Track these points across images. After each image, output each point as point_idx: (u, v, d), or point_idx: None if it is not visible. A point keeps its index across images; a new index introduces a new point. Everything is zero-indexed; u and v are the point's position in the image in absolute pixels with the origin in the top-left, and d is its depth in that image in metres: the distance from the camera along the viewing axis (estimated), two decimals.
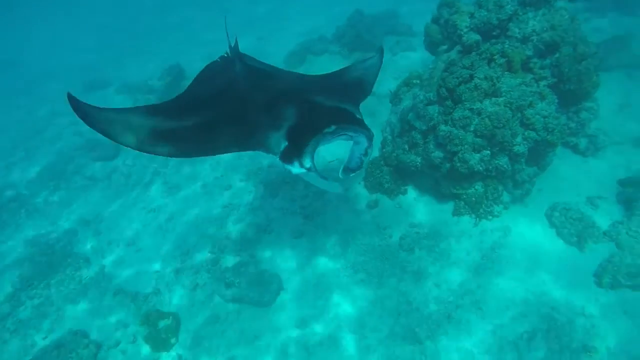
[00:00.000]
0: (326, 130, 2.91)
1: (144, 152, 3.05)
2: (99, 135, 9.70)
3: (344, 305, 4.88)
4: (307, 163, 2.91)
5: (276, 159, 3.11)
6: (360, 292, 4.94)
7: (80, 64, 16.30)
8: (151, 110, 3.25)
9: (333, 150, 5.11)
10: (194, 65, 11.69)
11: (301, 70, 10.22)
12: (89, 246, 6.81)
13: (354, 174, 3.13)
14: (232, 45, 4.42)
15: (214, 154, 3.21)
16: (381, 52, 4.61)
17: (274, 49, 12.29)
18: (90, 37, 19.39)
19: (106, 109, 3.04)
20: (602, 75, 5.50)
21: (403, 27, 10.54)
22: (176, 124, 3.21)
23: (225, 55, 4.40)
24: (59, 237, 7.11)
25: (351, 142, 3.18)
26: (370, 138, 3.06)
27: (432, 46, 6.29)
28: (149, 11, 21.52)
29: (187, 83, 11.84)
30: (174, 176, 7.88)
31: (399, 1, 12.86)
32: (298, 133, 3.04)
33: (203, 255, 5.94)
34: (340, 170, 3.12)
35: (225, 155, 4.45)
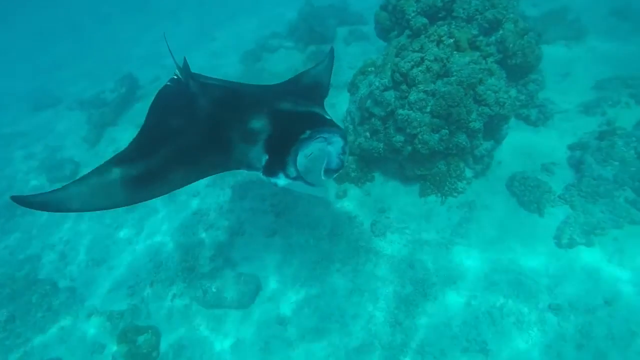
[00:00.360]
0: (302, 136, 2.92)
1: (123, 207, 2.92)
2: (55, 155, 9.23)
3: (323, 297, 4.91)
4: (292, 172, 2.90)
5: (259, 175, 3.05)
6: (338, 283, 5.00)
7: (25, 89, 15.34)
8: (116, 163, 3.02)
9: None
10: (148, 74, 11.47)
11: (258, 67, 10.17)
12: (55, 270, 6.52)
13: (337, 174, 3.13)
14: (182, 65, 4.16)
15: (195, 181, 3.08)
16: (331, 54, 4.65)
17: (228, 50, 12.14)
18: (33, 60, 18.33)
19: (67, 186, 2.76)
20: (544, 47, 5.77)
21: (355, 16, 10.61)
22: (147, 167, 3.02)
23: (175, 77, 4.13)
24: (20, 264, 6.75)
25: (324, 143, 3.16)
26: (344, 136, 3.08)
27: (383, 33, 6.39)
28: (93, 25, 20.49)
29: (141, 93, 11.48)
30: None
31: None
32: (276, 144, 3.00)
33: (177, 265, 5.82)
34: (322, 173, 3.08)
35: None
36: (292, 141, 2.92)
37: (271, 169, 2.98)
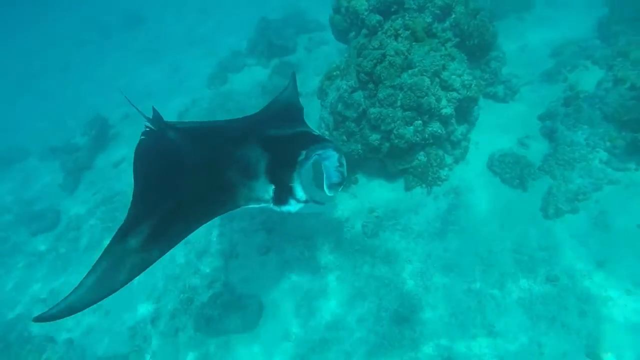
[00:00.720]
0: (299, 159, 2.98)
1: (143, 271, 2.82)
2: (31, 208, 8.97)
3: (326, 306, 4.89)
4: (302, 196, 2.96)
5: (269, 206, 3.04)
6: (339, 289, 4.98)
7: None
8: (125, 235, 2.95)
9: None
10: (116, 113, 11.28)
11: (226, 89, 10.13)
12: (50, 324, 6.34)
13: (341, 187, 3.17)
14: (152, 116, 4.05)
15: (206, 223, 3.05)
16: (293, 78, 4.80)
17: (192, 77, 12.04)
18: None
19: (86, 279, 2.71)
20: (498, 24, 5.89)
21: (312, 23, 10.64)
22: (156, 227, 2.96)
23: (148, 129, 4.00)
24: (10, 325, 6.49)
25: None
26: (338, 148, 3.15)
27: (341, 35, 6.46)
28: (51, 73, 20.00)
29: (113, 132, 11.25)
30: None
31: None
32: (278, 172, 3.03)
33: (176, 298, 5.74)
34: (326, 189, 3.13)
35: None
36: (291, 166, 2.96)
37: (280, 198, 3.00)
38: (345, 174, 3.21)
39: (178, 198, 3.11)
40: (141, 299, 6.01)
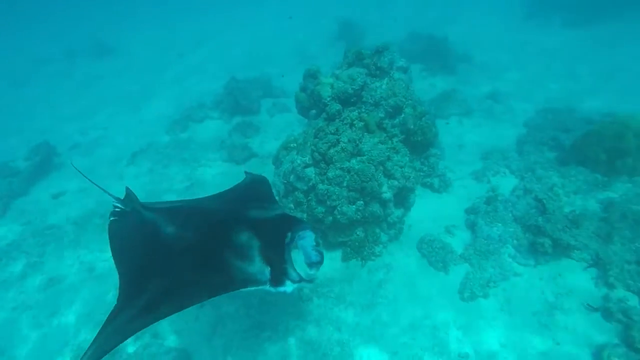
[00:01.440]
0: (286, 240, 3.26)
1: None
2: None
3: None
4: (296, 276, 3.20)
5: (265, 288, 3.19)
6: (269, 350, 5.14)
7: None
8: (116, 313, 3.00)
9: None
10: (66, 141, 11.09)
11: (185, 137, 10.39)
12: None
13: (321, 266, 3.39)
14: (124, 197, 4.05)
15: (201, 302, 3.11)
16: (247, 174, 5.19)
17: (152, 119, 12.22)
18: None
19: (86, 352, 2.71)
20: (441, 122, 6.84)
21: (277, 90, 11.48)
22: (147, 305, 3.00)
23: (118, 209, 4.02)
24: None
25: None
26: (313, 228, 3.44)
27: (303, 110, 7.11)
28: (5, 88, 19.18)
29: (59, 160, 10.94)
30: (55, 265, 7.22)
31: (268, 64, 14.03)
32: (270, 254, 3.23)
33: None
34: (307, 268, 3.33)
35: None
36: (280, 247, 3.22)
37: (276, 280, 3.18)
38: (323, 252, 3.44)
39: (172, 280, 3.16)
40: (59, 348, 5.73)
